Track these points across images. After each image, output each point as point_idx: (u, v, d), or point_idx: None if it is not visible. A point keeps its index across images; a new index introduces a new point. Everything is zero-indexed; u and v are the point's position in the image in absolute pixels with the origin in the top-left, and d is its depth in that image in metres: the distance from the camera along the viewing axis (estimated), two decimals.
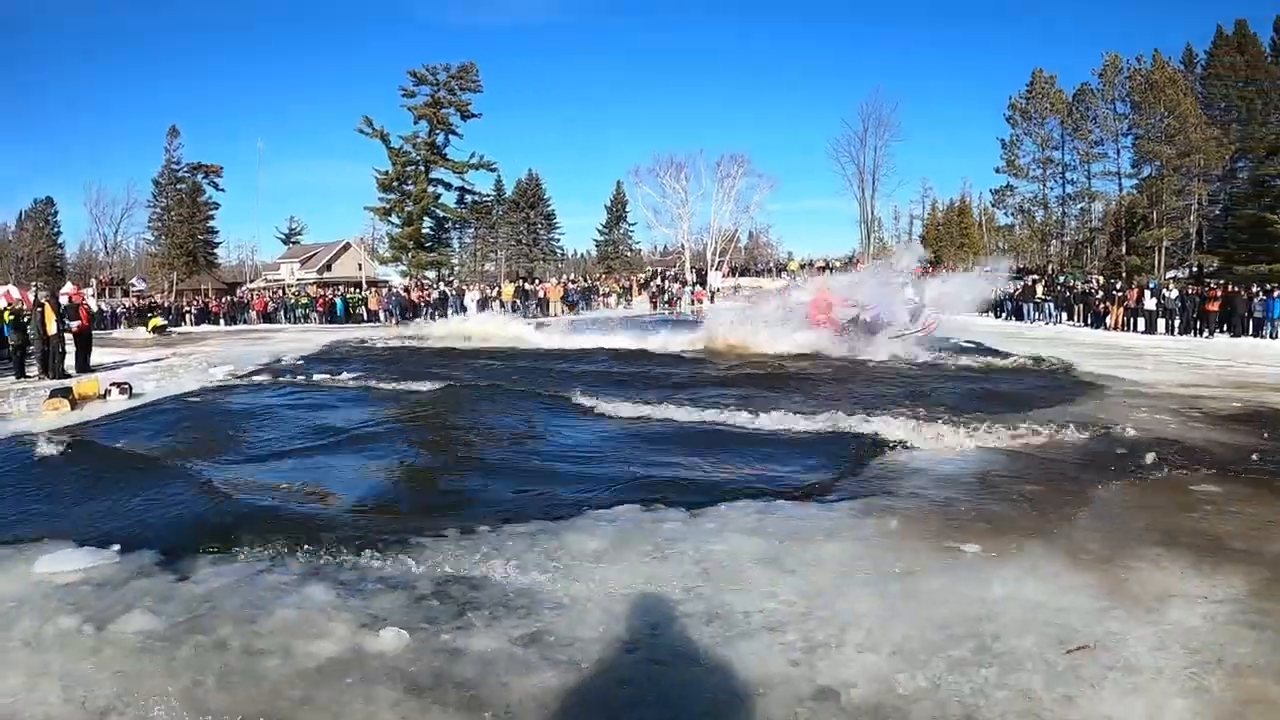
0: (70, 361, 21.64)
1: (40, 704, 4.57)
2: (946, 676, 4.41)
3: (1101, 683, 4.35)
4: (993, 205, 68.75)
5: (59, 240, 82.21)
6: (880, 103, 58.08)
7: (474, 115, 66.77)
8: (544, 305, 46.64)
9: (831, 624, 5.04)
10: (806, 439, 10.78)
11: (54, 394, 15.39)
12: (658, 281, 57.76)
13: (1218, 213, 55.57)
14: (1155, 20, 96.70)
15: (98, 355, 24.58)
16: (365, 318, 46.14)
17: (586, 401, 13.67)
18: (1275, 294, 29.40)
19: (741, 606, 5.32)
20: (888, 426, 11.05)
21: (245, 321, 49.03)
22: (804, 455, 9.83)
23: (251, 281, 79.12)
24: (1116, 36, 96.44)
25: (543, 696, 4.38)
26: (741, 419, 12.01)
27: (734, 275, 64.26)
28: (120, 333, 43.28)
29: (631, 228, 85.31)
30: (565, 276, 62.93)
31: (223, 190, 78.17)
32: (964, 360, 19.38)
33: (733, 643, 4.84)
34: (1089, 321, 33.34)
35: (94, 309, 33.01)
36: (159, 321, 44.12)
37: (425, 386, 16.50)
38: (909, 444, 10.13)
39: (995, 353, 21.59)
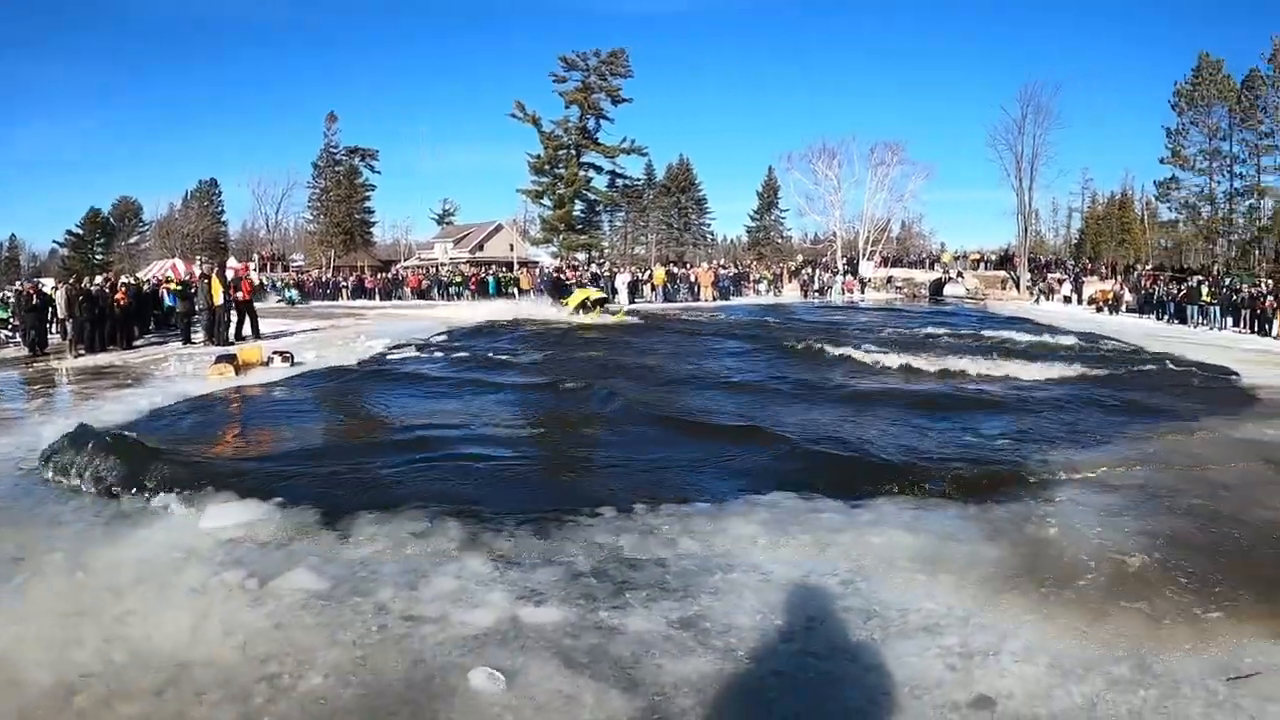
0: (233, 330, 22.39)
1: (203, 644, 4.81)
2: (1105, 694, 4.27)
3: (1263, 714, 4.15)
4: (1156, 199, 66.04)
5: (222, 218, 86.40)
6: (1040, 89, 55.90)
7: (624, 100, 67.14)
8: (694, 290, 46.47)
9: (990, 630, 4.94)
10: None
11: (219, 359, 15.95)
12: (808, 270, 57.21)
13: None
14: None
15: (278, 325, 26.22)
16: (516, 297, 46.37)
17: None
18: None
19: (899, 605, 5.26)
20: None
21: (400, 298, 49.95)
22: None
23: (406, 260, 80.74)
24: None
25: (698, 681, 4.38)
26: None
27: (886, 265, 63.19)
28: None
29: (783, 214, 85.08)
30: (716, 261, 62.69)
31: (378, 172, 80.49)
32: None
33: (889, 642, 4.79)
34: (1257, 328, 31.28)
35: (256, 282, 33.82)
36: (593, 294, 32.46)
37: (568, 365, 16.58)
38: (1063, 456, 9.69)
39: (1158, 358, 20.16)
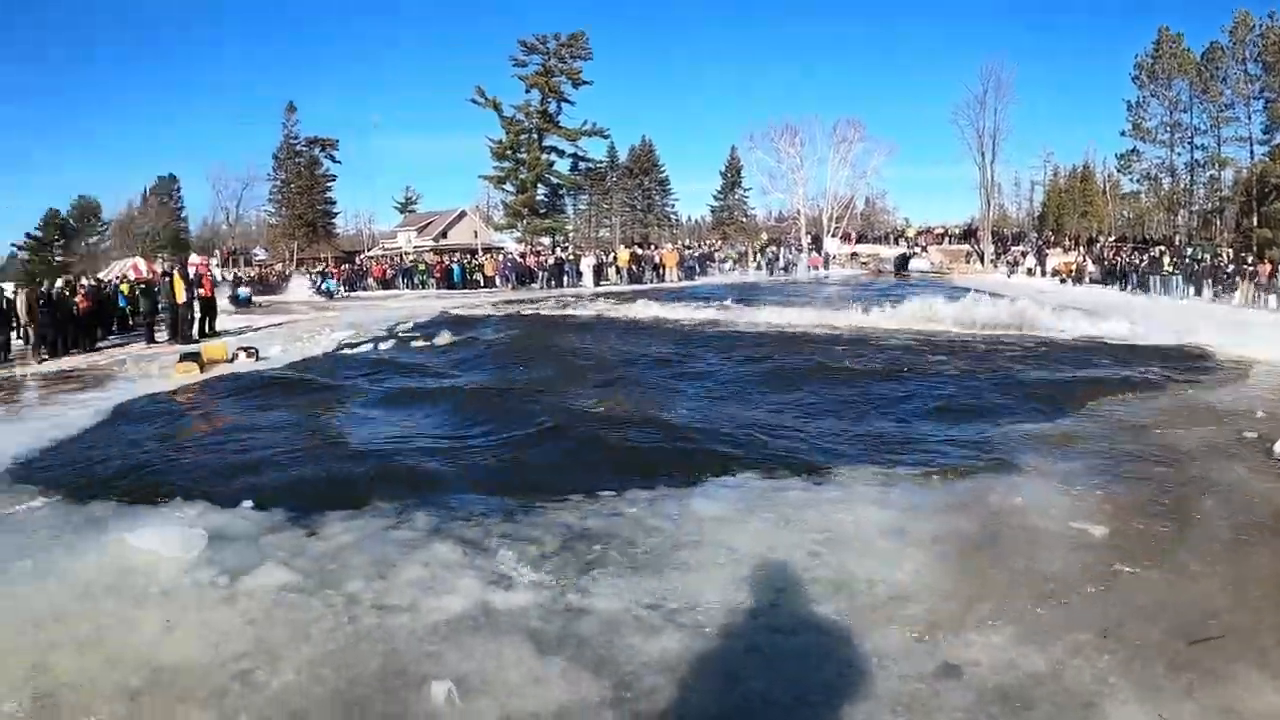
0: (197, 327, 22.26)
1: (177, 645, 4.78)
2: (1069, 660, 4.32)
3: (1228, 677, 4.19)
4: (1118, 171, 65.57)
5: (182, 214, 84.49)
6: (1001, 64, 55.94)
7: (585, 82, 66.76)
8: (659, 271, 46.39)
9: (955, 599, 4.98)
10: None
11: (184, 357, 15.86)
12: (773, 248, 57.16)
13: None
14: None
15: (242, 320, 26.20)
16: (482, 283, 46.22)
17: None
18: None
19: (865, 576, 5.28)
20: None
21: (364, 288, 49.33)
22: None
23: (369, 249, 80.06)
24: None
25: (667, 660, 4.41)
26: None
27: (850, 241, 63.14)
28: None
29: (746, 193, 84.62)
30: (680, 242, 62.65)
31: (339, 162, 79.29)
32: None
33: (856, 613, 4.81)
34: (1217, 297, 31.33)
35: (216, 279, 33.31)
36: None
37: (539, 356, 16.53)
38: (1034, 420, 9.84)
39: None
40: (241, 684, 4.35)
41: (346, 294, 44.61)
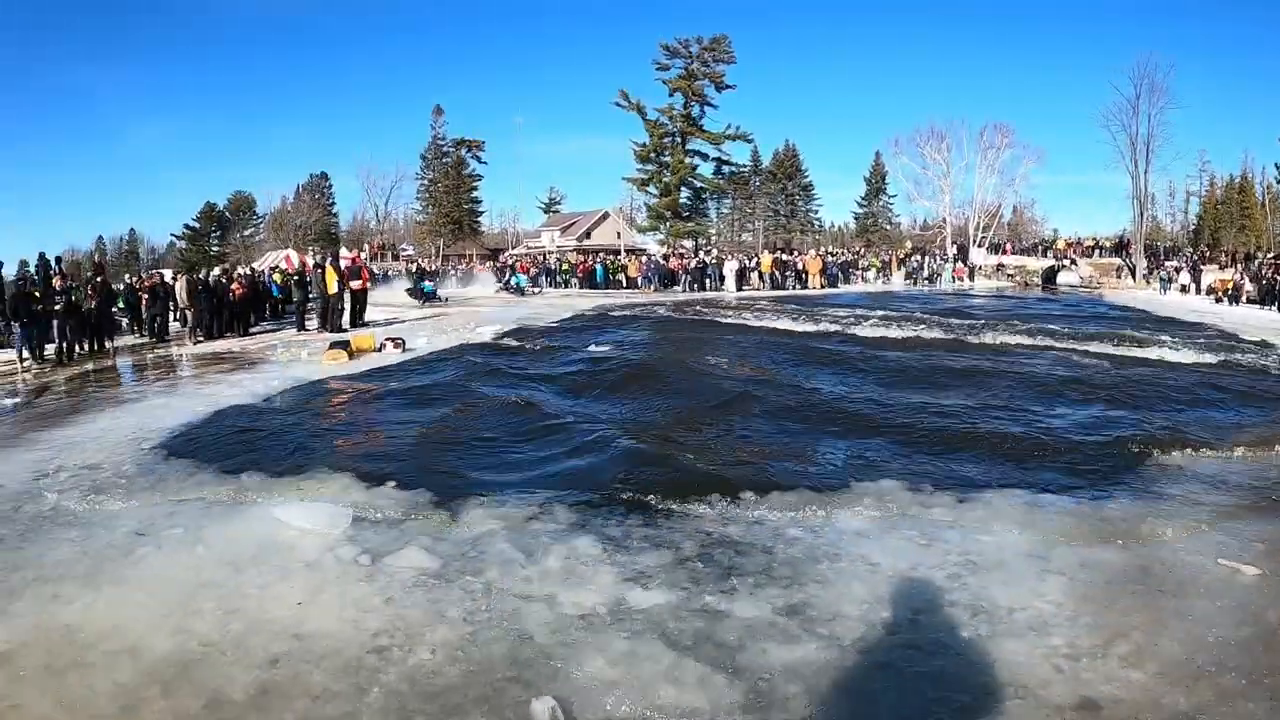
0: (347, 317, 22.82)
1: (317, 617, 4.99)
2: (1214, 706, 4.09)
3: None
4: (1277, 182, 62.79)
5: (333, 210, 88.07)
6: (1153, 66, 53.03)
7: (728, 86, 67.27)
8: (802, 278, 45.95)
9: (1098, 632, 4.82)
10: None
11: (334, 345, 16.32)
12: (917, 257, 56.21)
13: None
14: None
15: (392, 311, 26.99)
16: (624, 284, 46.57)
17: None
18: None
19: (1006, 602, 5.17)
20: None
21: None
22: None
23: (514, 247, 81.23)
24: None
25: (801, 669, 4.40)
26: None
27: (996, 252, 61.50)
28: None
29: (891, 200, 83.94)
30: (823, 249, 62.09)
31: (485, 163, 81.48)
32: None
33: (995, 639, 4.72)
34: None
35: (375, 272, 34.03)
36: None
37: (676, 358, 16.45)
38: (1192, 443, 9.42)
39: None
40: (378, 658, 4.52)
41: (537, 291, 44.33)
